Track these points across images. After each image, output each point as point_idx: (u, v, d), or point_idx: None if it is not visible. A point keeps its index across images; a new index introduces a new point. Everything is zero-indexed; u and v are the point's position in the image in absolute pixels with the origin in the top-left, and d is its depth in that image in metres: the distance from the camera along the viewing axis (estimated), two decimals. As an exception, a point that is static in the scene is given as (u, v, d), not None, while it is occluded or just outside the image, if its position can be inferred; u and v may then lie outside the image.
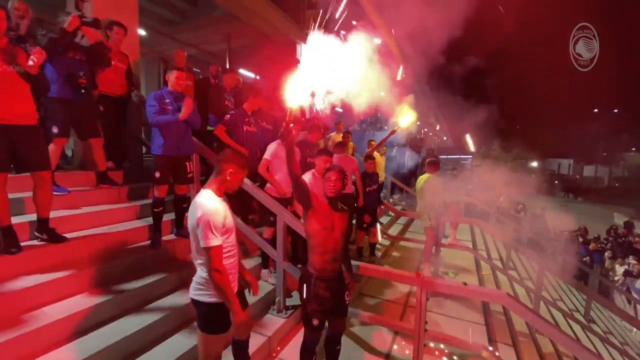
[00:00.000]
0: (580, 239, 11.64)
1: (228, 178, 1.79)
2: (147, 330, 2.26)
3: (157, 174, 2.99)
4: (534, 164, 32.14)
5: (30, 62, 2.08)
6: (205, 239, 1.63)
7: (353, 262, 2.46)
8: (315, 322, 2.14)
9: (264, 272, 3.44)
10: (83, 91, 2.97)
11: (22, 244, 2.32)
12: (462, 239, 6.60)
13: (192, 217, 1.69)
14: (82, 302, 2.23)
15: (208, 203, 1.68)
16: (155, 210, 3.05)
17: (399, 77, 7.92)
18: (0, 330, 1.83)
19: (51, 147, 2.89)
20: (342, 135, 6.22)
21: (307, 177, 3.40)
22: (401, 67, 8.11)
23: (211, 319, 1.77)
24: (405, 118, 4.47)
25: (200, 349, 1.81)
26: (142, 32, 6.36)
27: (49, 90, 2.37)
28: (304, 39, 8.00)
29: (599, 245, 10.92)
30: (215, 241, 1.64)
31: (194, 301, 1.79)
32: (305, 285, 2.16)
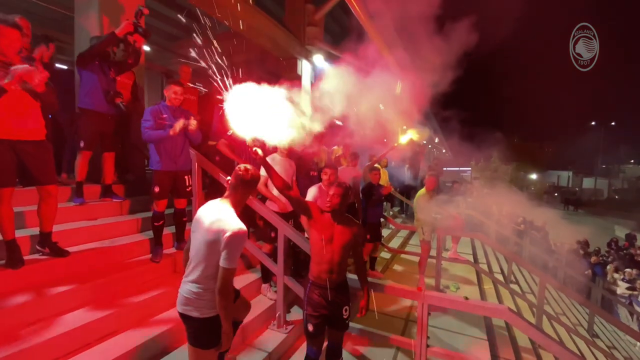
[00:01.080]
0: (582, 252, 11.58)
1: (243, 199, 1.85)
2: (148, 345, 2.25)
3: (157, 189, 3.03)
4: (533, 176, 32.21)
5: (36, 81, 2.13)
6: (230, 260, 1.63)
7: (351, 276, 2.46)
8: (310, 327, 2.20)
9: (264, 286, 3.43)
10: (122, 106, 3.28)
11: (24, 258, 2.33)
12: (463, 252, 6.57)
13: (216, 232, 1.64)
14: (83, 316, 2.22)
15: (239, 225, 1.66)
16: (155, 224, 3.07)
17: (397, 92, 8.04)
18: (0, 346, 1.82)
19: (78, 159, 3.15)
20: (341, 147, 6.27)
21: (313, 190, 3.43)
22: (399, 82, 8.25)
23: (204, 333, 1.75)
24: (405, 136, 4.59)
25: None
26: (146, 47, 6.49)
27: (56, 107, 2.43)
28: (304, 55, 8.16)
29: (601, 258, 10.85)
30: (236, 264, 1.66)
31: (184, 316, 1.77)
32: (304, 289, 2.29)
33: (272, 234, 3.27)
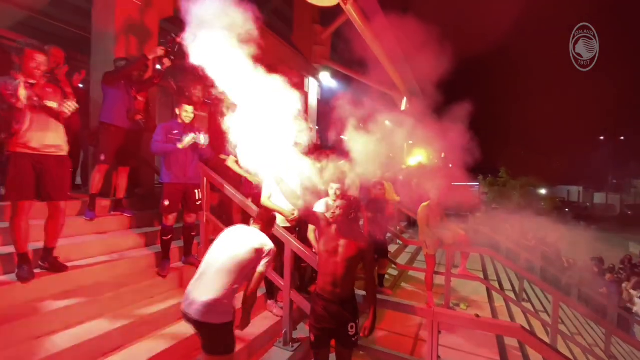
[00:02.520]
0: (596, 269, 11.23)
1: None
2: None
3: (166, 202, 3.07)
4: (543, 191, 31.73)
5: (65, 109, 2.29)
6: (267, 268, 2.05)
7: (359, 292, 2.41)
8: (312, 337, 2.20)
9: (270, 303, 3.39)
10: (141, 123, 3.58)
11: None
12: (473, 269, 6.44)
13: (257, 250, 2.01)
14: (90, 330, 2.22)
15: (272, 243, 2.12)
16: (164, 238, 3.10)
17: (402, 108, 8.14)
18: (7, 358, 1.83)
19: (95, 172, 3.28)
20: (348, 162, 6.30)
21: (320, 204, 3.43)
22: (405, 98, 8.36)
23: (224, 338, 1.87)
24: (415, 158, 4.65)
25: None
26: (158, 66, 6.71)
27: (79, 127, 2.57)
28: (312, 72, 8.35)
29: (615, 276, 10.51)
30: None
31: (203, 325, 1.81)
32: (310, 299, 2.34)
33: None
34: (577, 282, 8.37)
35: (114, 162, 3.44)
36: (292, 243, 2.96)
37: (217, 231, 3.55)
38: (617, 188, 39.63)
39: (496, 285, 6.40)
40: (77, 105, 2.33)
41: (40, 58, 2.29)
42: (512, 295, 6.13)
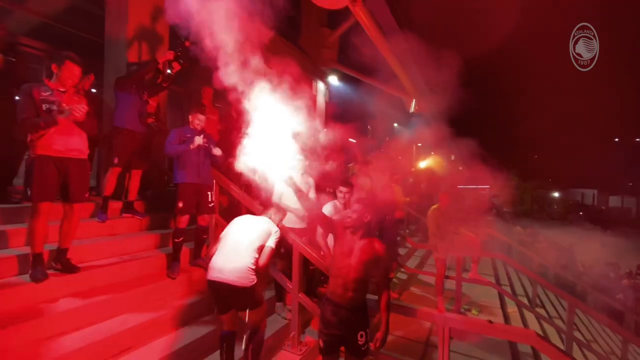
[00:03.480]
0: (612, 275, 10.91)
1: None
2: (162, 364, 2.23)
3: (180, 204, 3.12)
4: (556, 194, 31.03)
5: (77, 113, 2.36)
6: (275, 245, 2.43)
7: (370, 297, 2.36)
8: (321, 342, 2.16)
9: (278, 305, 3.38)
10: (153, 126, 3.71)
11: None
12: (485, 274, 6.32)
13: (267, 232, 2.44)
14: (100, 331, 2.24)
15: (277, 228, 2.54)
16: (175, 240, 3.13)
17: (411, 110, 8.08)
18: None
19: (108, 174, 3.35)
20: (357, 166, 6.28)
21: (328, 207, 3.42)
22: (414, 100, 8.30)
23: (255, 295, 2.30)
24: (425, 162, 4.67)
25: (257, 319, 2.35)
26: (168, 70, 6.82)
27: (96, 132, 2.65)
28: (319, 75, 8.36)
29: (632, 281, 10.18)
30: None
31: (241, 288, 2.21)
32: (320, 305, 2.34)
33: (282, 250, 3.24)
34: (593, 287, 8.13)
35: (126, 165, 3.49)
36: (300, 245, 2.95)
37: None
38: (633, 191, 38.52)
39: (508, 290, 6.27)
40: (86, 107, 2.38)
41: (77, 70, 2.45)
42: (525, 300, 6.00)
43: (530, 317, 5.25)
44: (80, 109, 2.31)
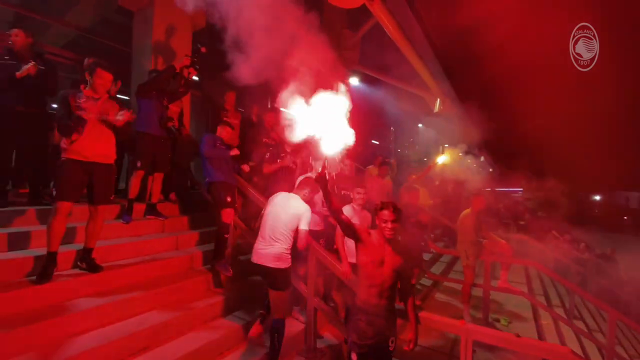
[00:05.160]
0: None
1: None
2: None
3: (229, 198, 3.27)
4: (597, 197, 28.90)
5: (119, 118, 2.50)
6: (307, 226, 2.64)
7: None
8: (354, 356, 2.07)
9: (296, 309, 3.34)
10: (173, 129, 3.88)
11: (66, 272, 2.56)
12: (517, 283, 5.96)
13: (295, 211, 2.65)
14: (118, 331, 2.29)
15: (306, 206, 2.73)
16: (225, 235, 3.27)
17: (436, 110, 7.81)
18: (41, 356, 1.93)
19: (132, 177, 3.47)
20: (378, 168, 6.15)
21: (347, 209, 3.34)
22: (438, 100, 8.03)
23: (287, 279, 2.66)
24: (442, 157, 4.50)
25: (280, 301, 2.60)
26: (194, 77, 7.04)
27: (130, 134, 2.81)
28: (342, 77, 8.30)
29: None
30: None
31: (273, 270, 2.55)
32: (349, 315, 2.19)
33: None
34: (639, 298, 7.43)
35: (149, 168, 3.61)
36: (317, 250, 2.89)
37: (243, 236, 3.61)
38: (687, 194, 35.07)
39: (542, 300, 5.86)
40: (129, 113, 2.53)
41: (107, 77, 2.57)
42: (561, 312, 5.58)
43: (567, 330, 4.87)
44: (122, 116, 2.47)
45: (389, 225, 2.07)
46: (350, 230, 2.14)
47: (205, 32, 5.05)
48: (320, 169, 2.07)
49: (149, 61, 4.42)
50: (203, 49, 3.69)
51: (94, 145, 2.51)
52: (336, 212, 2.12)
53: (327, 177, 2.04)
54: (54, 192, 2.46)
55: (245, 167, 3.66)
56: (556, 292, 6.90)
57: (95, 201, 2.58)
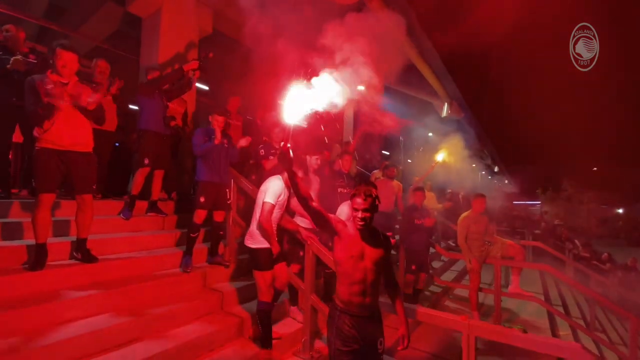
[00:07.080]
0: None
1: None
2: (165, 356, 2.19)
3: (202, 198, 3.20)
4: (620, 210, 27.62)
5: (90, 100, 2.45)
6: (265, 198, 2.53)
7: (383, 300, 2.07)
8: None
9: (293, 309, 3.24)
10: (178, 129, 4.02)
11: (61, 262, 2.55)
12: (531, 290, 5.66)
13: (266, 184, 2.63)
14: (107, 320, 2.26)
15: (275, 181, 2.64)
16: (192, 235, 3.17)
17: (443, 114, 7.71)
18: (25, 340, 1.91)
19: (137, 174, 3.47)
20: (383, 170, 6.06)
21: (345, 208, 3.25)
22: (446, 104, 7.93)
23: (259, 259, 2.60)
24: (440, 154, 4.47)
25: (260, 282, 2.59)
26: (205, 87, 7.22)
27: (103, 122, 2.77)
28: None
29: None
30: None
31: (249, 249, 2.63)
32: (330, 319, 1.92)
33: (301, 253, 3.13)
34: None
35: (155, 166, 3.61)
36: (315, 244, 2.82)
37: (243, 233, 3.57)
38: None
39: (561, 310, 5.53)
40: (100, 95, 2.48)
41: (68, 56, 2.37)
42: (581, 323, 5.24)
43: (587, 340, 4.55)
44: (93, 96, 2.39)
45: (359, 214, 1.82)
46: (322, 220, 1.87)
47: (212, 38, 5.21)
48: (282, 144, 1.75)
49: (155, 67, 4.54)
50: (210, 55, 3.80)
51: (70, 134, 2.39)
52: (304, 199, 1.82)
53: (291, 154, 1.76)
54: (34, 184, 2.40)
55: (243, 141, 3.51)
56: (575, 302, 6.52)
57: (77, 190, 2.50)
